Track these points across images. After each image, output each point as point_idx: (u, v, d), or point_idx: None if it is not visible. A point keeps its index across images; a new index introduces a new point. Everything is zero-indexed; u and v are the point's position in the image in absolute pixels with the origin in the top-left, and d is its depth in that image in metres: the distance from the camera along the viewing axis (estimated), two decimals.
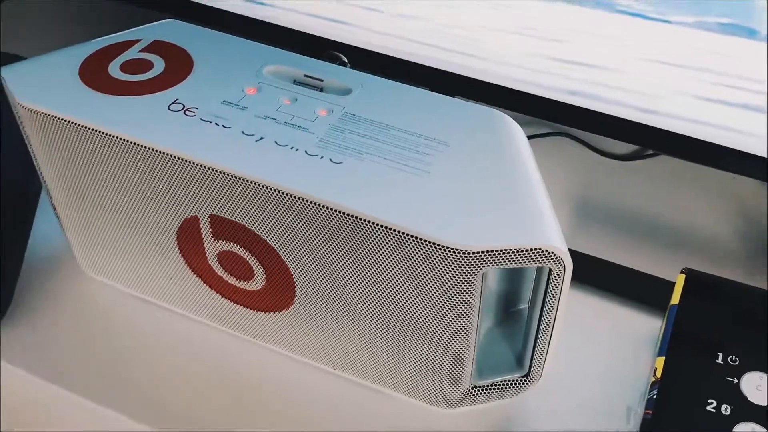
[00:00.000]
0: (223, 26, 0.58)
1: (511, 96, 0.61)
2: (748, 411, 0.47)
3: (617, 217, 0.69)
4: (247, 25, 0.66)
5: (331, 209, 0.44)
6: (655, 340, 0.55)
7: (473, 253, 0.42)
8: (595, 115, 0.59)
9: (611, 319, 0.60)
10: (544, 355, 0.49)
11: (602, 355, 0.57)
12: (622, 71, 0.56)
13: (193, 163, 0.46)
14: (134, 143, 0.47)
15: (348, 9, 0.62)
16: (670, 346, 0.50)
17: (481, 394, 0.51)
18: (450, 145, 0.47)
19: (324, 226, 0.45)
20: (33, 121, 0.50)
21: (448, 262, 0.42)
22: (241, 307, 0.54)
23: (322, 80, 0.52)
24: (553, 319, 0.46)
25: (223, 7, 0.67)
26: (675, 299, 0.53)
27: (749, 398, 0.48)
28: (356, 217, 0.43)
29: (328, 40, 0.64)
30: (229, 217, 0.48)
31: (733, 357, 0.50)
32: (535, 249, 0.42)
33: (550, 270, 0.44)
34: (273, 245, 0.48)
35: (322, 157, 0.46)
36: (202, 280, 0.54)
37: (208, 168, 0.46)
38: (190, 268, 0.53)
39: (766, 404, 0.47)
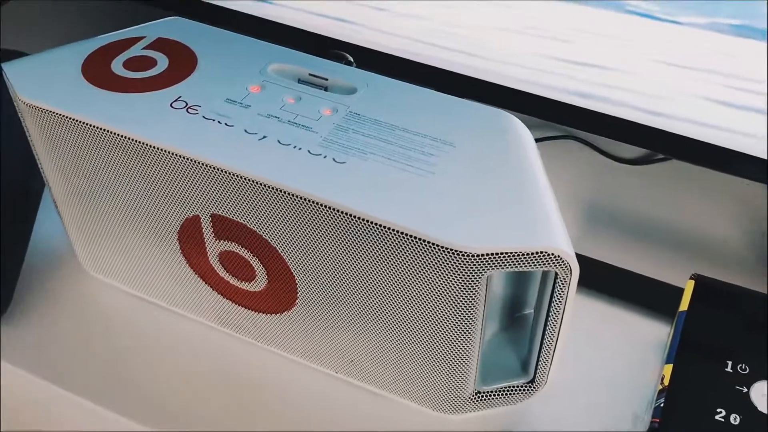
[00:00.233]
0: (228, 25, 0.58)
1: (518, 97, 0.60)
2: (758, 421, 0.46)
3: (625, 221, 0.68)
4: (253, 24, 0.65)
5: (333, 209, 0.43)
6: (663, 347, 0.54)
7: (477, 255, 0.41)
8: (603, 118, 0.58)
9: (619, 325, 0.59)
10: (549, 360, 0.48)
11: (609, 361, 0.56)
12: (630, 73, 0.55)
13: (195, 161, 0.46)
14: (135, 140, 0.47)
15: (354, 8, 0.61)
16: (679, 353, 0.50)
17: (485, 399, 0.50)
18: (456, 146, 0.47)
19: (326, 227, 0.44)
20: (34, 117, 0.50)
21: (452, 264, 0.42)
22: (243, 308, 0.53)
23: (327, 79, 0.51)
24: (558, 324, 0.45)
25: (228, 6, 0.66)
26: (684, 306, 0.52)
27: (759, 408, 0.47)
28: (358, 218, 0.43)
29: (334, 39, 0.63)
30: (231, 217, 0.47)
31: (743, 365, 0.49)
32: (541, 252, 0.41)
33: (556, 274, 0.43)
34: (275, 245, 0.47)
35: (325, 157, 0.45)
36: (203, 280, 0.53)
37: (210, 166, 0.45)
38: (192, 268, 0.53)
39: None
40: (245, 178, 0.45)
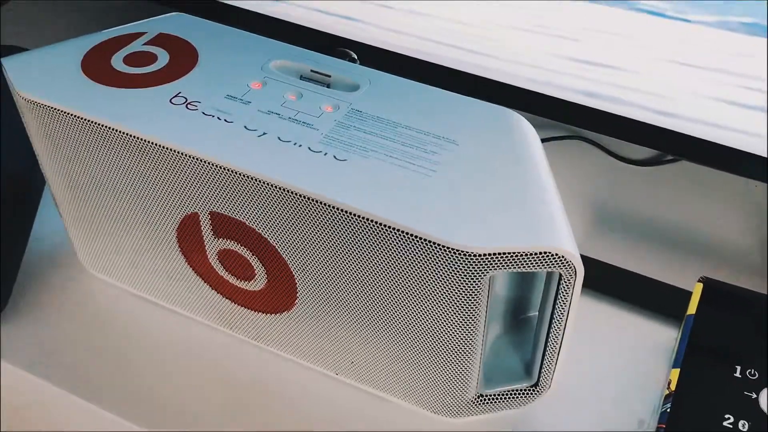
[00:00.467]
0: (232, 22, 0.57)
1: (525, 96, 0.59)
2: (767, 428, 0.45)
3: (633, 223, 0.67)
4: (256, 21, 0.65)
5: (333, 207, 0.42)
6: (670, 352, 0.53)
7: (479, 255, 0.40)
8: (612, 118, 0.57)
9: (626, 329, 0.58)
10: (553, 364, 0.47)
11: (615, 365, 0.55)
12: (640, 72, 0.54)
13: (192, 158, 0.45)
14: (132, 136, 0.46)
15: (361, 6, 0.61)
16: (686, 357, 0.49)
17: (487, 403, 0.49)
18: (459, 143, 0.46)
19: (325, 225, 0.43)
20: (33, 112, 0.49)
21: (453, 265, 0.41)
22: (243, 308, 0.52)
23: (329, 76, 0.51)
24: (563, 326, 0.45)
25: (232, 3, 0.66)
26: (692, 309, 0.51)
27: None
28: (358, 216, 0.42)
29: (338, 36, 0.63)
30: (230, 215, 0.47)
31: (752, 371, 0.48)
32: (544, 252, 0.40)
33: (561, 275, 0.42)
34: (274, 244, 0.46)
35: (325, 154, 0.45)
36: (202, 279, 0.52)
37: (208, 163, 0.45)
38: (191, 267, 0.52)
39: None
40: (244, 175, 0.44)
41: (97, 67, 0.50)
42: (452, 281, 0.42)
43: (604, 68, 0.55)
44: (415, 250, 0.41)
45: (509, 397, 0.49)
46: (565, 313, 0.44)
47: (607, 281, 0.60)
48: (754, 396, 0.46)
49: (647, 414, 0.51)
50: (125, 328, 0.58)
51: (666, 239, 0.65)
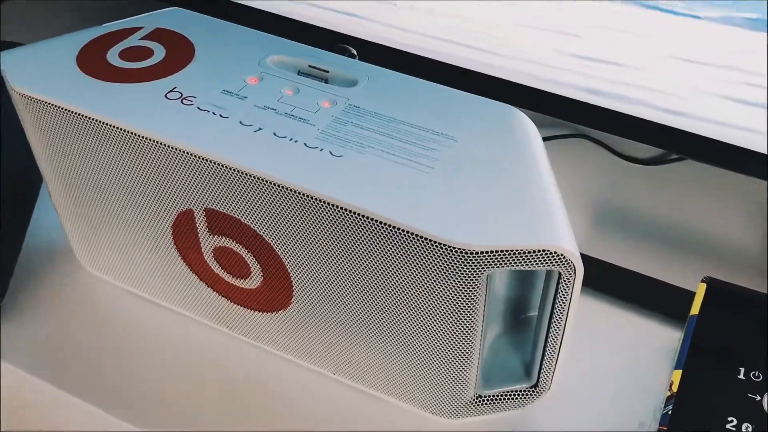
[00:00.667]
0: (231, 17, 0.57)
1: (528, 94, 0.58)
2: None
3: (637, 222, 0.66)
4: (256, 16, 0.64)
5: (328, 204, 0.42)
6: (672, 353, 0.52)
7: (476, 252, 0.39)
8: (617, 116, 0.56)
9: (628, 329, 0.57)
10: (553, 364, 0.46)
11: (617, 367, 0.55)
12: (645, 69, 0.54)
13: (186, 153, 0.44)
14: (126, 131, 0.45)
15: (363, 2, 0.60)
16: (689, 358, 0.48)
17: (486, 404, 0.48)
18: (458, 140, 0.45)
19: (320, 222, 0.42)
20: (26, 106, 0.49)
21: (450, 262, 0.40)
22: (239, 306, 0.52)
23: (327, 71, 0.50)
24: (562, 326, 0.44)
25: None
26: (695, 309, 0.51)
27: None
28: (353, 213, 0.41)
29: (338, 32, 0.62)
30: (224, 211, 0.46)
31: (756, 373, 0.47)
32: (543, 250, 0.40)
33: (560, 274, 0.41)
34: (269, 241, 0.46)
35: (321, 150, 0.44)
36: (198, 277, 0.52)
37: (202, 158, 0.44)
38: (187, 264, 0.52)
39: None
40: (238, 171, 0.43)
41: (92, 61, 0.50)
42: (449, 279, 0.41)
43: (609, 65, 0.55)
44: (411, 247, 0.41)
45: (508, 398, 0.48)
46: (565, 313, 0.43)
47: (610, 281, 0.59)
48: (758, 398, 0.46)
49: (648, 416, 0.51)
50: (124, 326, 0.57)
51: (670, 239, 0.65)
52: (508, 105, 0.48)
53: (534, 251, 0.40)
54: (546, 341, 0.45)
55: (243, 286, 0.50)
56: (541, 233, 0.40)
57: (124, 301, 0.58)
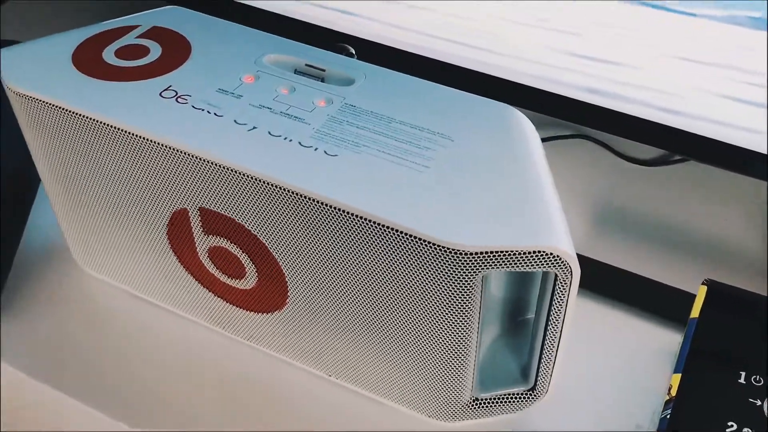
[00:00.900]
0: (229, 16, 0.56)
1: (529, 94, 0.58)
2: None
3: (637, 224, 0.66)
4: (254, 15, 0.64)
5: (322, 203, 0.41)
6: (672, 356, 0.52)
7: (471, 253, 0.39)
8: (617, 116, 0.56)
9: (628, 332, 0.57)
10: (550, 367, 0.46)
11: (616, 370, 0.54)
12: (644, 68, 0.53)
13: (179, 152, 0.44)
14: (119, 129, 0.45)
15: (361, 0, 0.60)
16: (688, 362, 0.47)
17: (482, 407, 0.48)
18: (454, 140, 0.45)
19: (315, 221, 0.42)
20: (21, 104, 0.48)
21: (445, 263, 0.39)
22: (234, 307, 0.51)
23: (324, 70, 0.50)
24: (559, 329, 0.43)
25: None
26: (695, 312, 0.50)
27: None
28: (347, 213, 0.41)
29: (336, 31, 0.61)
30: (219, 210, 0.46)
31: (757, 377, 0.46)
32: (539, 252, 0.39)
33: (557, 276, 0.41)
34: (263, 241, 0.45)
35: (316, 149, 0.43)
36: (194, 277, 0.51)
37: (195, 157, 0.44)
38: (182, 264, 0.51)
39: None
40: (231, 170, 0.43)
41: (88, 59, 0.50)
42: (444, 280, 0.40)
43: (608, 64, 0.54)
44: (405, 247, 0.40)
45: (505, 402, 0.48)
46: (562, 315, 0.43)
47: (612, 283, 0.59)
48: (759, 403, 0.45)
49: (646, 419, 0.50)
50: (123, 326, 0.57)
51: (670, 241, 0.64)
52: (505, 104, 0.48)
53: (529, 252, 0.39)
54: (543, 344, 0.45)
55: (238, 286, 0.50)
56: (536, 234, 0.40)
57: (123, 300, 0.58)
